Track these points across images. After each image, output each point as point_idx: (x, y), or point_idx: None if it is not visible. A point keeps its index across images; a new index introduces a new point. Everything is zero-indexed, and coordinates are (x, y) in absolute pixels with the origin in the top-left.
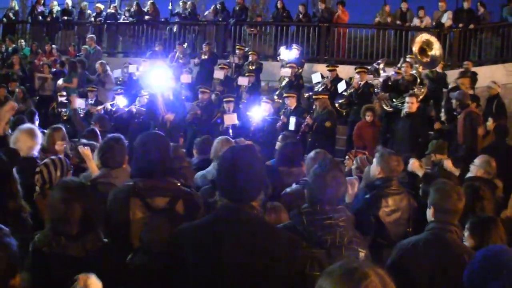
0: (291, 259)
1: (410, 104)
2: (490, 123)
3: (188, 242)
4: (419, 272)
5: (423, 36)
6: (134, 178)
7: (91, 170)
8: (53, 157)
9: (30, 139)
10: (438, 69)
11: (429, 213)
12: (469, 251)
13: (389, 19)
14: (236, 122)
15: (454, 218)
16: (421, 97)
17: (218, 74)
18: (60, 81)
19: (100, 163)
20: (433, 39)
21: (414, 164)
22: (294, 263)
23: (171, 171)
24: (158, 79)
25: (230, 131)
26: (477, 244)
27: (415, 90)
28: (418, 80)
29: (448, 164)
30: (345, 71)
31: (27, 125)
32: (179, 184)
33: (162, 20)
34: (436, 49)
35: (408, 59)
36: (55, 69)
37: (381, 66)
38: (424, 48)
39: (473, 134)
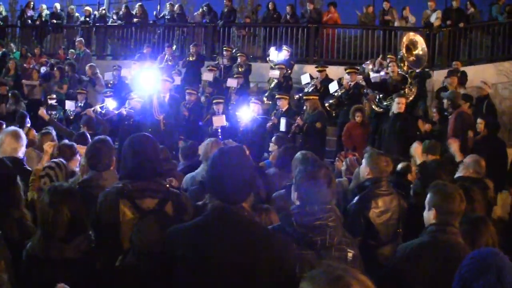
0: (282, 261)
1: (400, 105)
2: (480, 123)
3: (180, 243)
4: (422, 276)
5: (409, 36)
6: (123, 180)
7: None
8: (55, 160)
9: (15, 141)
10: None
11: (429, 215)
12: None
13: (369, 17)
14: (225, 123)
15: (456, 220)
16: (411, 98)
17: (207, 76)
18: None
19: (88, 165)
20: (417, 37)
21: (417, 148)
22: (285, 264)
23: (160, 172)
24: (148, 81)
25: (219, 132)
26: (467, 244)
27: (406, 90)
28: (409, 80)
29: (455, 147)
30: (334, 71)
31: (12, 127)
32: (168, 185)
33: (151, 22)
34: (421, 48)
35: (388, 60)
36: (44, 72)
37: (370, 67)
38: (410, 47)
39: (464, 134)
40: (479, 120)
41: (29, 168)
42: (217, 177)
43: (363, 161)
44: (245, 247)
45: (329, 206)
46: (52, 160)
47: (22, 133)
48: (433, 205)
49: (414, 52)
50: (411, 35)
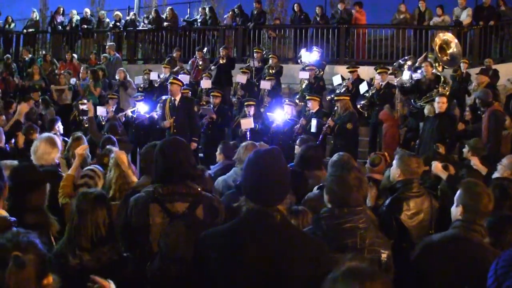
0: (317, 264)
1: (441, 104)
2: (508, 122)
3: (214, 246)
4: (442, 269)
5: (441, 36)
6: (155, 184)
7: (127, 175)
8: (91, 167)
9: (50, 147)
10: (462, 69)
11: (456, 211)
12: (493, 251)
13: (405, 16)
14: (253, 126)
15: (482, 219)
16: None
17: (240, 78)
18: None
19: (141, 170)
20: (449, 36)
21: (437, 167)
22: (320, 268)
23: (192, 176)
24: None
25: (248, 134)
26: (492, 242)
27: (440, 89)
28: (442, 79)
29: (475, 161)
30: (366, 71)
31: (47, 134)
32: (199, 189)
33: (181, 26)
34: (454, 47)
35: (428, 59)
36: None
37: (408, 63)
38: (443, 47)
39: (497, 133)
40: (507, 119)
41: (63, 174)
42: (253, 179)
43: (394, 162)
44: (280, 250)
45: (359, 208)
46: (89, 168)
47: (57, 139)
48: (461, 202)
49: (448, 51)
50: (444, 35)
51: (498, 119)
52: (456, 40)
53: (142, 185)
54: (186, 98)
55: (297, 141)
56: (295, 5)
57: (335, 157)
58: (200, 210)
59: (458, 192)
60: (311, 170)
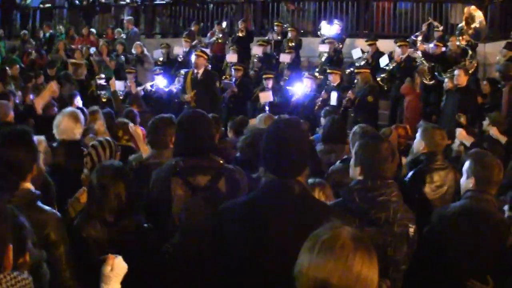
0: None
1: (457, 77)
2: None
3: (233, 220)
4: (456, 240)
5: (466, 11)
6: (176, 157)
7: (141, 150)
8: (100, 138)
9: (73, 122)
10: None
11: (467, 183)
12: (505, 220)
13: None
14: (271, 99)
15: (493, 189)
16: (471, 70)
17: (257, 50)
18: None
19: (148, 144)
20: (473, 10)
21: (461, 134)
22: None
23: (213, 148)
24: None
25: (267, 108)
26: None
27: (466, 63)
28: (469, 53)
29: (494, 131)
30: (386, 45)
31: (70, 108)
32: (221, 161)
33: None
34: (478, 21)
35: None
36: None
37: (420, 38)
38: (468, 21)
39: None
40: None
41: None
42: (272, 149)
43: (417, 135)
44: (302, 222)
45: (390, 181)
46: (98, 138)
47: (80, 114)
48: (472, 173)
49: (472, 26)
50: (471, 9)
51: None
52: (481, 14)
53: (149, 159)
54: (208, 72)
55: (323, 113)
56: None
57: (357, 128)
58: (222, 183)
59: (467, 163)
60: (336, 144)
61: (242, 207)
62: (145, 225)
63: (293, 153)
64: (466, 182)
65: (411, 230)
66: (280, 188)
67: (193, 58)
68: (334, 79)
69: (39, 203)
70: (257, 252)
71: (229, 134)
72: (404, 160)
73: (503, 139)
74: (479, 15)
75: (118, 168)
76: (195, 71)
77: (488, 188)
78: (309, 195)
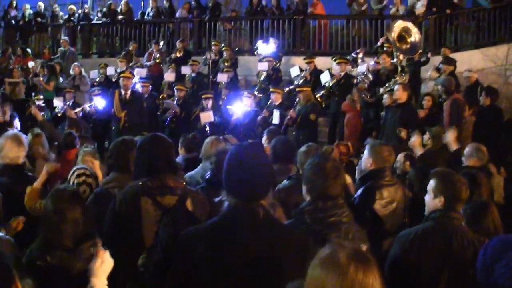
0: (303, 258)
1: (396, 92)
2: (467, 111)
3: (197, 244)
4: (427, 262)
5: (400, 24)
6: (138, 179)
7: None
8: (80, 166)
9: (16, 146)
10: (415, 57)
11: (435, 202)
12: (478, 237)
13: (364, 7)
14: (212, 119)
15: (460, 206)
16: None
17: (186, 70)
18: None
19: (107, 167)
20: (410, 25)
21: (416, 140)
22: (306, 262)
23: (175, 169)
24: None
25: (207, 128)
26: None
27: (397, 78)
28: (399, 69)
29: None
30: (323, 62)
31: (12, 131)
32: (184, 183)
33: (136, 19)
34: (415, 34)
35: (385, 48)
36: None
37: (360, 55)
38: (403, 35)
39: (459, 119)
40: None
41: (30, 175)
42: (236, 174)
43: (365, 152)
44: (266, 245)
45: (341, 201)
46: (80, 166)
47: (23, 137)
48: (440, 192)
49: (409, 40)
50: (403, 22)
51: (459, 106)
52: (416, 28)
53: (111, 181)
54: (135, 92)
55: (265, 132)
56: None
57: (304, 148)
58: (189, 203)
59: (433, 182)
60: (284, 164)
61: (207, 232)
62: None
63: (257, 177)
64: (433, 201)
65: (364, 248)
66: (245, 212)
67: (121, 80)
68: (276, 98)
69: None
70: (223, 276)
71: (180, 152)
72: (349, 179)
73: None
74: (414, 28)
75: (73, 193)
76: (123, 92)
77: (456, 206)
78: (273, 218)
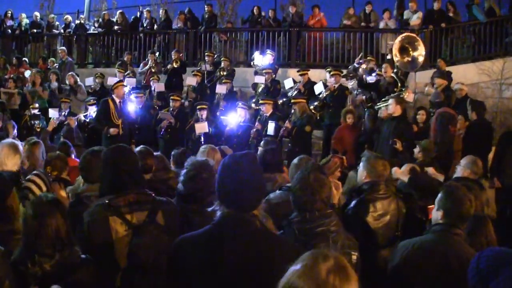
0: None
1: (390, 106)
2: (461, 123)
3: (190, 254)
4: (424, 274)
5: (408, 36)
6: (106, 195)
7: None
8: (36, 172)
9: (13, 153)
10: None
11: (437, 215)
12: (474, 252)
13: (352, 20)
14: (207, 130)
15: (463, 223)
16: (409, 99)
17: (191, 80)
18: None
19: (82, 178)
20: (418, 38)
21: (396, 171)
22: None
23: (143, 182)
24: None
25: (202, 139)
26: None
27: (397, 92)
28: (399, 84)
29: (432, 171)
30: (317, 74)
31: (9, 139)
32: (153, 194)
33: (132, 30)
34: (421, 50)
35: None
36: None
37: (364, 66)
38: (406, 47)
39: (444, 133)
40: (460, 118)
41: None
42: (230, 184)
43: (360, 164)
44: (258, 256)
45: (329, 210)
46: (34, 172)
47: (19, 145)
48: (441, 206)
49: (412, 53)
50: (407, 34)
51: (446, 118)
52: (422, 45)
53: (85, 191)
54: (128, 101)
55: (262, 143)
56: (255, 8)
57: (296, 160)
58: (160, 217)
59: (439, 196)
60: (271, 172)
61: (201, 241)
62: (83, 256)
63: (249, 188)
64: (436, 213)
65: (354, 257)
66: (238, 222)
67: (118, 89)
68: (266, 109)
69: None
70: (216, 285)
71: (172, 165)
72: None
73: (440, 177)
74: (421, 46)
75: (53, 200)
76: (117, 100)
77: (457, 223)
78: (266, 229)
